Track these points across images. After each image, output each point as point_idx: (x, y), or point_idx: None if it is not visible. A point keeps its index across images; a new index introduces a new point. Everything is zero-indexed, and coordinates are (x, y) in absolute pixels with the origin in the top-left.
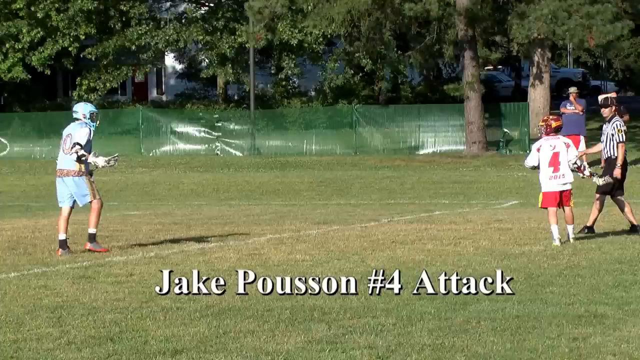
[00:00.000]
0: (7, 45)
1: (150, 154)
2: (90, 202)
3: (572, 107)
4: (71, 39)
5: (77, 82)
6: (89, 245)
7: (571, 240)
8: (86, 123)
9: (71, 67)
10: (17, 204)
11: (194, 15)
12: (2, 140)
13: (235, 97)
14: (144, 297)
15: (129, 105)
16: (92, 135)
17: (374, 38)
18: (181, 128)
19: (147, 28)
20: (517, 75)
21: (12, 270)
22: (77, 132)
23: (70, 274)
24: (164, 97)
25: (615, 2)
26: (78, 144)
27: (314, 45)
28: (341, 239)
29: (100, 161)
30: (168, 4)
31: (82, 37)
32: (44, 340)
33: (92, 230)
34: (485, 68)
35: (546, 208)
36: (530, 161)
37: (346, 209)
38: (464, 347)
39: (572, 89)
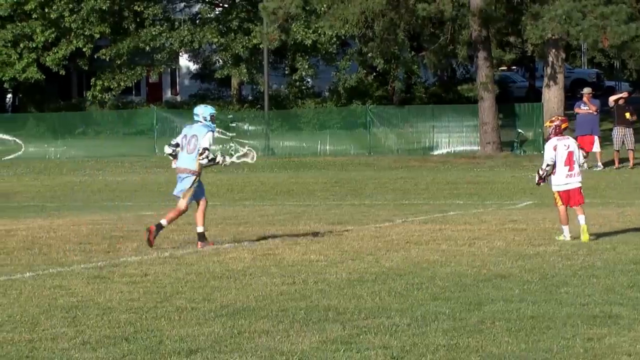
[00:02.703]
0: (22, 46)
1: (165, 154)
2: (179, 197)
3: (586, 108)
4: (85, 40)
5: (91, 83)
6: (199, 245)
7: (582, 224)
8: (208, 125)
9: (86, 68)
10: (32, 205)
11: (208, 16)
12: (17, 140)
13: (250, 98)
14: (159, 297)
15: (143, 106)
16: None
17: (388, 39)
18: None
19: (161, 29)
20: (531, 75)
21: (28, 270)
22: (204, 136)
23: (85, 274)
24: (178, 98)
25: (629, 3)
26: (207, 149)
27: (328, 46)
28: (355, 239)
29: (231, 159)
30: (182, 4)
31: (97, 37)
32: (59, 340)
33: (200, 229)
34: (499, 69)
35: (565, 205)
36: (550, 158)
37: (360, 209)
38: (478, 348)
39: (586, 90)
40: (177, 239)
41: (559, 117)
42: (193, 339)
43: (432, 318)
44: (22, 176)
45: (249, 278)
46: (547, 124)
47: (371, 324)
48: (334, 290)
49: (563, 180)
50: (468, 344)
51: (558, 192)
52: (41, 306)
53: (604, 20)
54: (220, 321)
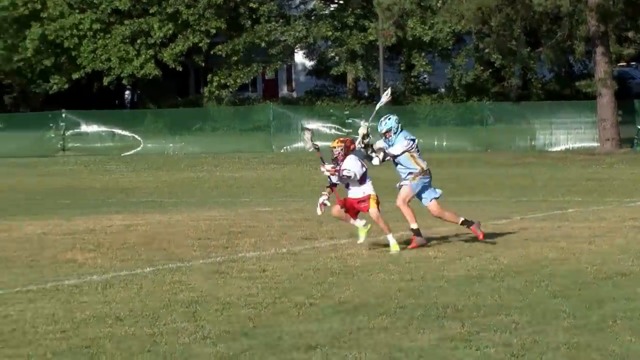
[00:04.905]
0: (139, 42)
1: (281, 150)
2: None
3: None
4: (201, 35)
5: (208, 79)
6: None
7: None
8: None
9: (202, 64)
10: (150, 200)
11: (323, 12)
12: (136, 136)
13: (365, 94)
14: (277, 292)
15: (259, 102)
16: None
17: (504, 34)
18: (311, 124)
19: (277, 25)
20: None
21: (148, 265)
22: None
23: (204, 270)
24: (294, 94)
25: None
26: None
27: (444, 42)
28: (473, 236)
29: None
30: (297, 1)
31: (213, 32)
32: (179, 334)
33: (413, 225)
34: (618, 64)
35: None
36: None
37: (477, 206)
38: (600, 346)
39: None
40: (294, 235)
41: None
42: (312, 335)
43: (552, 316)
44: (141, 172)
45: (366, 275)
46: None
47: (490, 322)
48: (452, 287)
49: None
50: (589, 342)
51: None
52: (162, 301)
53: None
54: (339, 317)
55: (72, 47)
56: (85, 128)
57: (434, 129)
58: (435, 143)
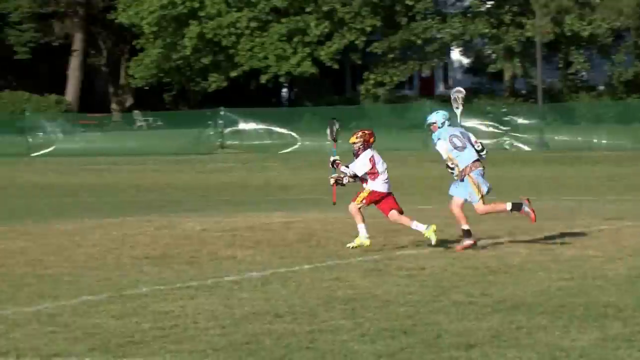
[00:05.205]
0: (296, 40)
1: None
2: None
3: None
4: (357, 33)
5: (364, 77)
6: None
7: None
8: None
9: (359, 62)
10: (308, 198)
11: (479, 9)
12: (293, 134)
13: (523, 91)
14: (436, 290)
15: (416, 100)
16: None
17: None
18: (469, 122)
19: (433, 22)
20: None
21: (305, 262)
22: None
23: (362, 267)
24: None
25: None
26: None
27: (603, 38)
28: (634, 235)
29: None
30: None
31: (369, 30)
32: (338, 331)
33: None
34: None
35: None
36: None
37: (639, 205)
38: None
39: None
40: (452, 233)
41: None
42: (471, 334)
43: None
44: (298, 169)
45: (525, 273)
46: None
47: None
48: (613, 286)
49: None
50: None
51: None
52: (320, 298)
53: None
54: (498, 316)
55: (229, 45)
56: (243, 126)
57: (593, 127)
58: (595, 141)
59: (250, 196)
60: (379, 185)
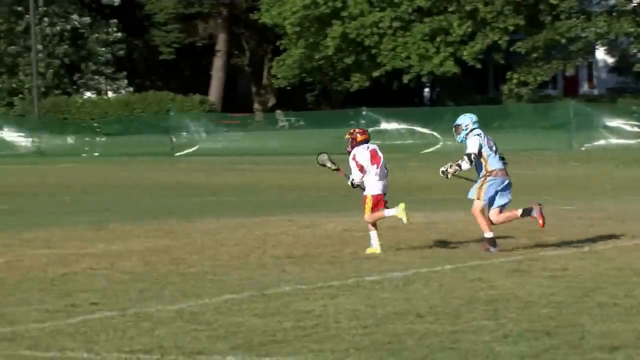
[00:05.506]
0: (438, 39)
1: (582, 148)
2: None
3: None
4: (500, 33)
5: (507, 76)
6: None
7: None
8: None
9: (502, 61)
10: (449, 198)
11: (624, 8)
12: (435, 134)
13: None
14: (579, 292)
15: (559, 99)
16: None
17: None
18: (613, 122)
19: (577, 21)
20: None
21: (447, 262)
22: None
23: (505, 267)
24: (594, 91)
25: None
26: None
27: None
28: None
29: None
30: None
31: (511, 29)
32: (480, 332)
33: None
34: None
35: None
36: None
37: None
38: None
39: None
40: (597, 233)
41: None
42: (615, 336)
43: None
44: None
45: None
46: None
47: None
48: None
49: None
50: None
51: None
52: (462, 298)
53: None
54: None
55: (372, 45)
56: (385, 125)
57: None
58: None
59: (391, 196)
60: (374, 187)
